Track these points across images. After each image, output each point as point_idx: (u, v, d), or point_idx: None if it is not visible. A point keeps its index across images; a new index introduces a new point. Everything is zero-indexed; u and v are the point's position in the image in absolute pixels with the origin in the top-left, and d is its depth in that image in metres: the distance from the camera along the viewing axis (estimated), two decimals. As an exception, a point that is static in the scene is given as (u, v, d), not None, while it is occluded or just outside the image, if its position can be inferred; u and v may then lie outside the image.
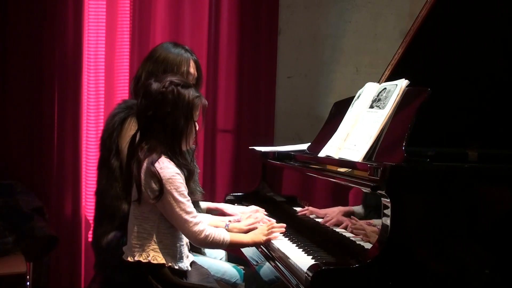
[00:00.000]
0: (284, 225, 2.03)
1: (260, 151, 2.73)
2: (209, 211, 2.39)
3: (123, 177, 1.90)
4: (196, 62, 2.29)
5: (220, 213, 2.40)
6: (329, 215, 1.91)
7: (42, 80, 3.09)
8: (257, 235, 1.93)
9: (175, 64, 2.21)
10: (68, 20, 3.05)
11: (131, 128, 2.06)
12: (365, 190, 1.68)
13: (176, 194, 1.76)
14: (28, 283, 2.71)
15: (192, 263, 1.95)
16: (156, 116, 1.81)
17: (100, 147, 2.21)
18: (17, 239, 2.80)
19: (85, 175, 3.10)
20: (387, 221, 1.54)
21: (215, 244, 1.84)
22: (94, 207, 2.30)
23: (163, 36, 3.18)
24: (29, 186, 3.02)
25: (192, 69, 2.26)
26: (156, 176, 1.75)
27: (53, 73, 3.08)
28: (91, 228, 2.66)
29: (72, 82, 3.07)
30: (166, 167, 1.77)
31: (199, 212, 2.29)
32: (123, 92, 3.14)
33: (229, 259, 2.37)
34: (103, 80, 3.11)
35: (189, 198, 1.81)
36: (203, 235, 1.79)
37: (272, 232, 1.95)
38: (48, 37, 3.08)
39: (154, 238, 1.80)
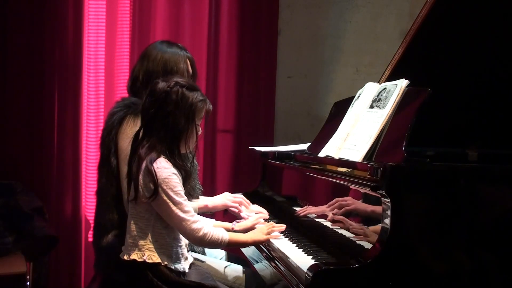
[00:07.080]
0: (284, 225, 2.04)
1: (260, 151, 2.73)
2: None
3: (127, 174, 1.90)
4: (190, 60, 2.28)
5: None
6: (327, 212, 1.91)
7: (42, 80, 3.09)
8: (257, 234, 1.94)
9: (173, 62, 2.21)
10: (68, 20, 3.05)
11: (129, 126, 2.06)
12: (365, 190, 1.68)
13: (172, 194, 1.76)
14: (28, 283, 2.71)
15: (192, 264, 1.95)
16: (158, 114, 1.82)
17: (100, 146, 2.21)
18: (17, 239, 2.80)
19: (85, 175, 3.10)
20: (387, 221, 1.54)
21: (213, 242, 1.84)
22: (94, 207, 2.30)
23: (163, 36, 3.17)
24: (29, 186, 3.01)
25: (188, 67, 2.27)
26: (152, 176, 1.75)
27: (53, 73, 3.08)
28: (91, 228, 2.66)
29: (72, 82, 3.07)
30: (163, 167, 1.77)
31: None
32: (123, 91, 3.13)
33: (229, 259, 2.37)
34: (103, 80, 3.11)
35: (186, 198, 1.81)
36: (201, 233, 1.79)
37: (272, 232, 1.96)
38: (48, 37, 3.08)
39: (150, 237, 1.81)
